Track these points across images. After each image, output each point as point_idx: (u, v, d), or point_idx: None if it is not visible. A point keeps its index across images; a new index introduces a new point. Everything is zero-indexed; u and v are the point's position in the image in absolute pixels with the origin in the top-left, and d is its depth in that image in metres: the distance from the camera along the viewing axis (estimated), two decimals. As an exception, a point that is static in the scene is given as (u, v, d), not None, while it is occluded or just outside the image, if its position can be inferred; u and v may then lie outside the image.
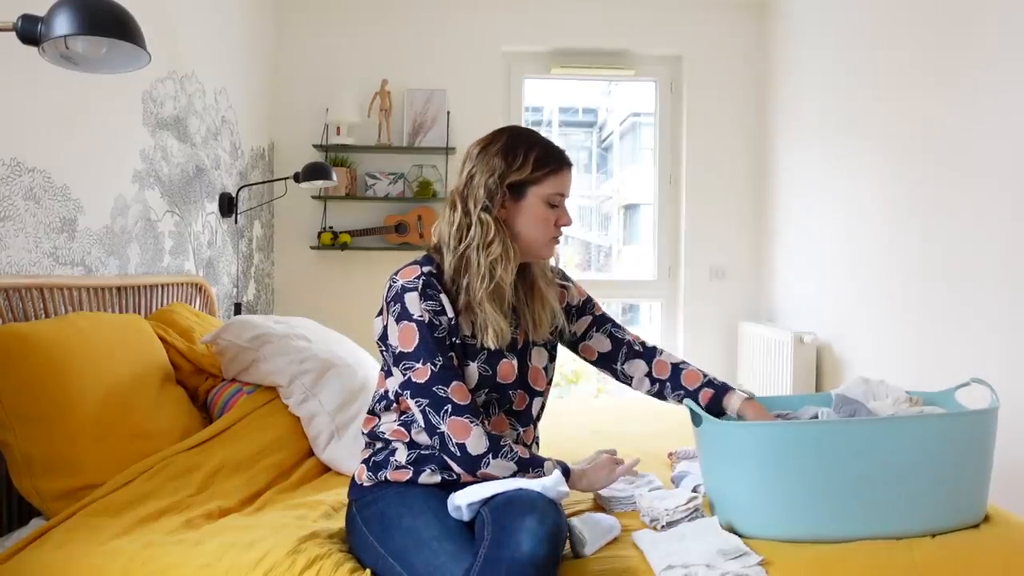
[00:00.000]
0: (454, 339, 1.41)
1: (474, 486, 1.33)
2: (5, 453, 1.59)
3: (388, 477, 1.42)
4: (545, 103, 4.76)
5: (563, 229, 1.51)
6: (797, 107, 3.61)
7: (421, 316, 1.38)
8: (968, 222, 2.38)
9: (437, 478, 1.40)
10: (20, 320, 1.76)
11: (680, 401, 1.59)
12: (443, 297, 1.41)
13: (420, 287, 1.39)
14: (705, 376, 1.62)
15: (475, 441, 1.34)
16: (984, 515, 1.46)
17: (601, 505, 1.62)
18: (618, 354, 1.64)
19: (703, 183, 3.99)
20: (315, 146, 3.75)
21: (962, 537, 1.39)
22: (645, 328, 4.35)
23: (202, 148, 2.96)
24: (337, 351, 2.13)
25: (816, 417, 1.55)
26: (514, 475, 1.35)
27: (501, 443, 1.36)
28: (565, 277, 1.67)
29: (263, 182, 3.48)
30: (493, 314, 1.41)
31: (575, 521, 1.42)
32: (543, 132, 1.56)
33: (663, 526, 1.44)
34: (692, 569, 1.25)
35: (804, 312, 3.51)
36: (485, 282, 1.41)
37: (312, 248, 3.79)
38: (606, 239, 4.92)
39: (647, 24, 3.95)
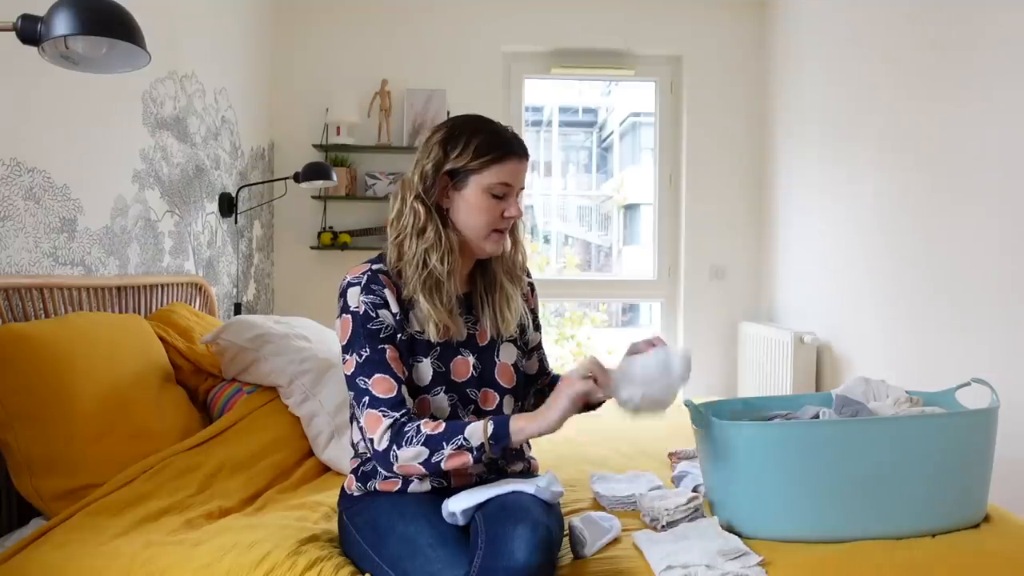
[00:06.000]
0: (400, 335, 1.38)
1: (468, 491, 1.31)
2: (5, 453, 1.59)
3: (377, 487, 1.40)
4: (545, 103, 4.74)
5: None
6: (797, 107, 3.61)
7: (357, 308, 1.37)
8: (967, 222, 2.38)
9: (427, 486, 1.39)
10: (20, 320, 1.76)
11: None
12: (387, 292, 1.38)
13: (364, 282, 1.39)
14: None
15: (380, 435, 1.29)
16: (984, 515, 1.46)
17: (601, 505, 1.62)
18: (535, 380, 1.64)
19: (703, 183, 3.98)
20: (315, 146, 3.74)
21: (962, 537, 1.39)
22: (645, 328, 4.35)
23: (202, 148, 2.96)
24: (337, 351, 2.13)
25: (817, 417, 1.55)
26: (432, 454, 1.27)
27: (405, 429, 1.29)
28: (532, 287, 1.62)
29: (263, 182, 3.48)
30: (428, 306, 1.38)
31: (575, 521, 1.42)
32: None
33: (663, 526, 1.45)
34: (692, 569, 1.25)
35: (804, 312, 3.51)
36: (418, 271, 1.39)
37: (312, 248, 3.79)
38: (606, 239, 4.92)
39: (647, 24, 3.94)
